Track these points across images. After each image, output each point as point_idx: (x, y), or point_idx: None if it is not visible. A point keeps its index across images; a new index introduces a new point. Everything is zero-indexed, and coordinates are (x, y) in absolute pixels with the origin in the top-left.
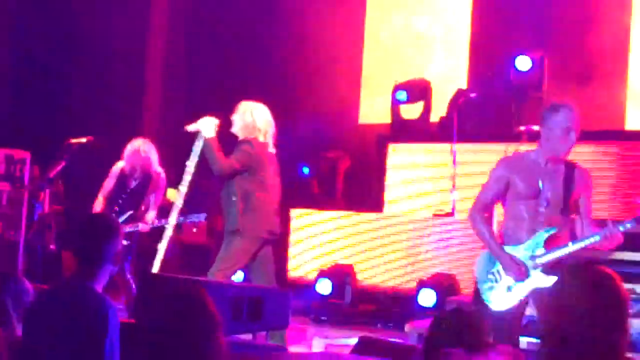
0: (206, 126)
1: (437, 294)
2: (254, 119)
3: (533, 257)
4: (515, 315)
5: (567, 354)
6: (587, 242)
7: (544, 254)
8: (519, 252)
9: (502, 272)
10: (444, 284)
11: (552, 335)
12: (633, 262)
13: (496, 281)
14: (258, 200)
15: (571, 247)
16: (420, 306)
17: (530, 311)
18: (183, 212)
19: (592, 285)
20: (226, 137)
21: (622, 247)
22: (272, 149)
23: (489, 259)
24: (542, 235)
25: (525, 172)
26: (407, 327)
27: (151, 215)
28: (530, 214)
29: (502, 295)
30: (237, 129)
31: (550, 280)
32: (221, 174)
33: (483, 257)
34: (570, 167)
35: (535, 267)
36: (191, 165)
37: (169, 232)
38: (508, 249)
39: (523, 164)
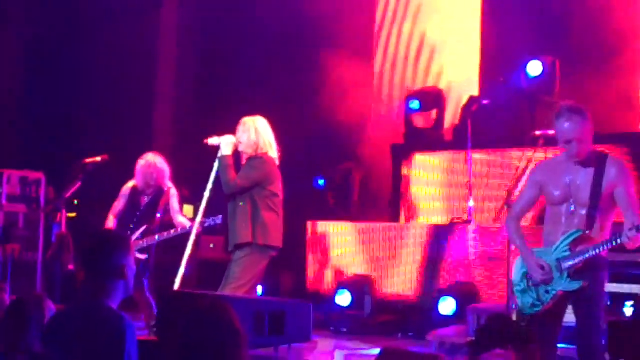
0: (226, 143)
1: (456, 302)
2: (260, 134)
3: (559, 260)
4: (546, 321)
5: None
6: (607, 245)
7: (568, 257)
8: (549, 255)
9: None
10: (463, 292)
11: None
12: None
13: (527, 284)
14: (267, 215)
15: (591, 252)
16: (441, 315)
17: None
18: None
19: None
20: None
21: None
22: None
23: (522, 263)
24: (569, 237)
25: (555, 176)
26: (429, 336)
27: (182, 219)
28: (563, 216)
29: (531, 299)
30: (244, 147)
31: (574, 285)
32: (231, 192)
33: (518, 260)
34: (602, 160)
35: (559, 270)
36: (211, 181)
37: (189, 249)
38: (540, 251)
39: (553, 167)
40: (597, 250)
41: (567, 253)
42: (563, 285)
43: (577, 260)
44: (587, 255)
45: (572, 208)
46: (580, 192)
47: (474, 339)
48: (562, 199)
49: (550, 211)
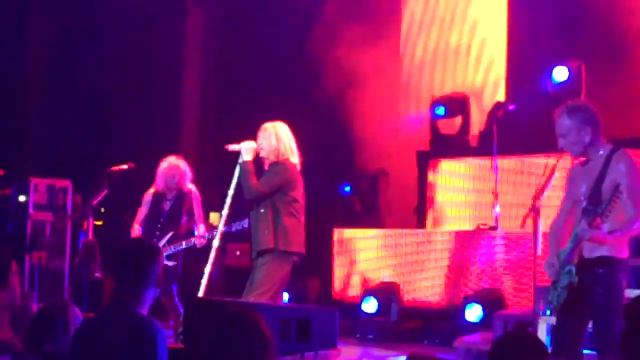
0: (246, 149)
1: (483, 309)
2: (281, 140)
3: (564, 258)
4: (568, 325)
5: None
6: (575, 241)
7: (567, 253)
8: (563, 254)
9: None
10: (489, 299)
11: None
12: None
13: (553, 283)
14: (289, 220)
15: (569, 244)
16: (467, 321)
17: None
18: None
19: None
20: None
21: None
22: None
23: None
24: (572, 237)
25: (578, 177)
26: (455, 343)
27: (202, 228)
28: (576, 217)
29: (553, 297)
30: (265, 153)
31: (564, 280)
32: (252, 198)
33: None
34: (608, 158)
35: (564, 267)
36: (232, 187)
37: (212, 255)
38: (561, 251)
39: (578, 169)
40: (572, 245)
41: (568, 250)
42: (563, 281)
43: (573, 256)
44: (570, 250)
45: (580, 207)
46: (584, 192)
47: (491, 351)
48: (575, 200)
49: (575, 211)
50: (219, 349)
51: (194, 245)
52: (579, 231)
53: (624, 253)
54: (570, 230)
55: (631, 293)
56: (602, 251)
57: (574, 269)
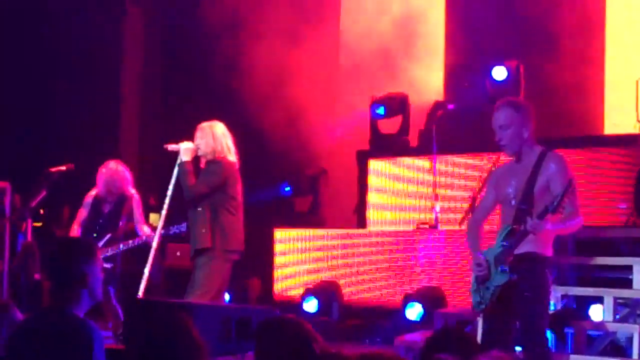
0: (185, 149)
1: (423, 307)
2: (218, 139)
3: (496, 257)
4: (493, 317)
5: None
6: (518, 236)
7: (500, 253)
8: (490, 253)
9: None
10: (430, 297)
11: None
12: (617, 267)
13: (477, 284)
14: (226, 218)
15: (508, 245)
16: (408, 320)
17: None
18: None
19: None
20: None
21: (606, 252)
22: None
23: None
24: (501, 235)
25: (505, 176)
26: (396, 341)
27: (146, 228)
28: (504, 215)
29: (478, 297)
30: (203, 152)
31: (503, 278)
32: (191, 197)
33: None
34: (541, 158)
35: (495, 266)
36: (171, 187)
37: (151, 256)
38: (487, 250)
39: (504, 169)
40: (514, 241)
41: (501, 249)
42: (497, 279)
43: (506, 253)
44: (511, 247)
45: (510, 205)
46: (516, 190)
47: (424, 346)
48: (504, 199)
49: (501, 211)
50: (149, 351)
51: (141, 244)
52: (529, 226)
53: (549, 251)
54: (490, 229)
55: (566, 291)
56: (528, 247)
57: (507, 268)
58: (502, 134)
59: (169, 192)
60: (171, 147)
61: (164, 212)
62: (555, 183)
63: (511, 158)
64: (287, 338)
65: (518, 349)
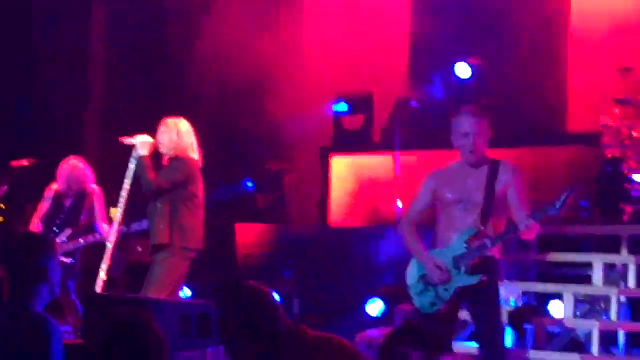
0: (142, 143)
1: (385, 304)
2: (182, 136)
3: (455, 258)
4: (446, 319)
5: None
6: (505, 237)
7: (465, 255)
8: (445, 255)
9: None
10: (391, 293)
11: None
12: (577, 264)
13: (425, 286)
14: (186, 216)
15: (489, 245)
16: (369, 316)
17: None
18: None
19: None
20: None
21: (566, 249)
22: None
23: (418, 265)
24: (464, 236)
25: (450, 181)
26: (357, 338)
27: (105, 226)
28: (457, 218)
29: (431, 299)
30: (166, 148)
31: (473, 279)
32: (151, 192)
33: (412, 264)
34: (495, 165)
35: (457, 268)
36: (128, 182)
37: (109, 250)
38: (435, 253)
39: (447, 173)
40: (495, 242)
41: (464, 250)
42: (462, 280)
43: (475, 255)
44: (485, 249)
45: (467, 211)
46: (474, 194)
47: (383, 342)
48: (456, 201)
49: (442, 214)
50: (109, 347)
51: (101, 241)
52: (523, 227)
53: (498, 253)
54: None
55: (526, 287)
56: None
57: (470, 269)
58: (472, 140)
59: (126, 187)
60: (127, 141)
61: (120, 208)
62: (511, 192)
63: (450, 163)
64: (246, 304)
65: (474, 345)
